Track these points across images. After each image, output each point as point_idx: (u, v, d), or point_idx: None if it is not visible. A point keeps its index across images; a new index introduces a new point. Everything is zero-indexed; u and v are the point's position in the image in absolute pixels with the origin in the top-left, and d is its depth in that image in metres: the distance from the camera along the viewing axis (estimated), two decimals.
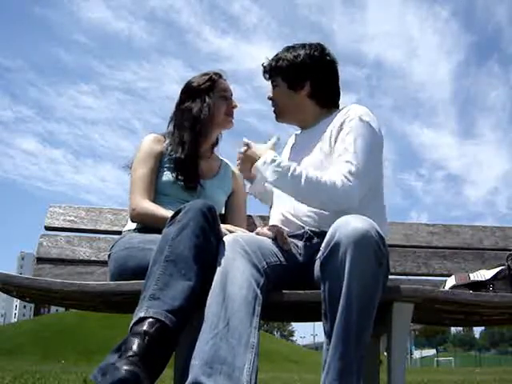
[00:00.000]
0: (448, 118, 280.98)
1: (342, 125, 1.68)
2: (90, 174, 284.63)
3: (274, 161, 1.57)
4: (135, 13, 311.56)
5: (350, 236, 1.28)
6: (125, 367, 1.08)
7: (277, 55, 1.83)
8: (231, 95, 1.95)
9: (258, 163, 1.59)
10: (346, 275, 1.27)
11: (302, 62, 1.77)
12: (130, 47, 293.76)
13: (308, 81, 1.78)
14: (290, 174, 1.55)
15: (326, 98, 1.82)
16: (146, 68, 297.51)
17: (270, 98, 1.85)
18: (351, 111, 1.70)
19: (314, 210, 1.66)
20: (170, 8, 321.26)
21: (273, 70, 1.82)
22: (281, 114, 1.84)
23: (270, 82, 1.85)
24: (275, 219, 1.77)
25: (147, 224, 1.71)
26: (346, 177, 1.56)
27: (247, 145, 1.67)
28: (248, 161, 1.63)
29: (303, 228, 1.65)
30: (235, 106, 1.94)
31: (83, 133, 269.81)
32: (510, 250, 2.10)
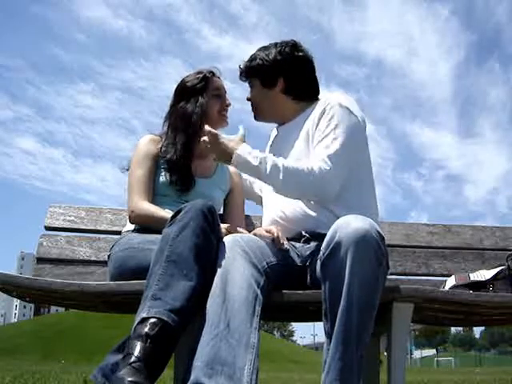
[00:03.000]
0: (448, 117, 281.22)
1: (322, 112, 1.69)
2: (89, 173, 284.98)
3: (250, 153, 1.58)
4: (134, 11, 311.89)
5: (351, 236, 1.28)
6: (128, 379, 1.08)
7: (251, 56, 1.86)
8: (225, 93, 1.95)
9: (234, 157, 1.58)
10: (346, 275, 1.27)
11: (272, 60, 1.79)
12: (129, 46, 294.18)
13: (281, 77, 1.79)
14: (268, 166, 1.55)
15: (302, 92, 1.83)
16: (145, 67, 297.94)
17: (248, 99, 1.88)
18: (331, 99, 1.72)
19: (306, 213, 1.66)
20: (169, 7, 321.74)
21: (247, 71, 1.86)
22: (259, 113, 1.86)
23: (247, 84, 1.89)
24: (267, 223, 1.77)
25: (146, 225, 1.71)
26: (324, 161, 1.57)
27: (210, 133, 1.61)
28: (218, 151, 1.60)
29: (300, 231, 1.65)
30: (229, 105, 1.94)
31: (82, 132, 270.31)
32: (510, 250, 2.11)
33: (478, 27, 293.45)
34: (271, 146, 1.89)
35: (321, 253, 1.35)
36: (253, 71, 1.84)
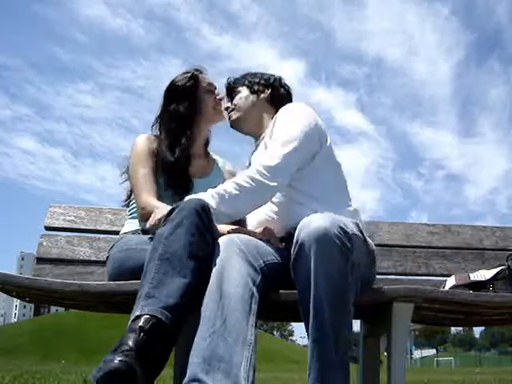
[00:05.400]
0: (448, 117, 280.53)
1: (274, 119, 1.76)
2: (89, 173, 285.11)
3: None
4: (134, 10, 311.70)
5: (312, 235, 1.28)
6: (118, 358, 1.08)
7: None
8: (215, 88, 1.97)
9: None
10: (312, 275, 1.28)
11: (263, 75, 1.96)
12: (128, 45, 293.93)
13: (269, 88, 1.92)
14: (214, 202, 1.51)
15: (281, 107, 1.86)
16: (144, 66, 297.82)
17: (226, 108, 1.94)
18: (283, 107, 1.79)
19: (290, 211, 1.66)
20: (168, 6, 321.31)
21: (237, 81, 1.96)
22: (238, 119, 1.90)
23: (229, 97, 1.96)
24: (254, 225, 1.76)
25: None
26: (260, 172, 1.56)
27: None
28: None
29: (288, 231, 1.65)
30: (222, 98, 1.96)
31: (82, 132, 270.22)
32: (510, 250, 2.11)
33: (478, 26, 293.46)
34: (250, 161, 1.93)
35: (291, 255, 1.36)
36: (244, 81, 1.95)
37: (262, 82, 1.92)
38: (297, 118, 1.69)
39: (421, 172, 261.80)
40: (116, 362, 1.07)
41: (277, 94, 1.92)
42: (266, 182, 1.56)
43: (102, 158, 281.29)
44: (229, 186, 1.55)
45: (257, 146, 1.90)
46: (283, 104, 1.85)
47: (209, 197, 1.53)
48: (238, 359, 1.18)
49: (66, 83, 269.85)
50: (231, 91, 1.96)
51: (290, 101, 1.95)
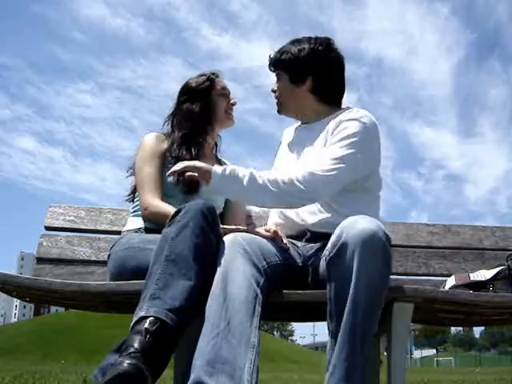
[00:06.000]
0: (448, 116, 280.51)
1: (340, 122, 1.66)
2: (89, 173, 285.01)
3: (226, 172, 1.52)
4: (133, 10, 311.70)
5: (358, 236, 1.28)
6: (127, 361, 1.08)
7: (282, 48, 1.82)
8: (229, 93, 1.97)
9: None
10: (353, 276, 1.27)
11: (304, 57, 1.75)
12: (128, 45, 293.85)
13: (310, 76, 1.76)
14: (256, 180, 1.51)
15: (328, 94, 1.80)
16: (144, 66, 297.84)
17: (273, 91, 1.85)
18: (348, 113, 1.69)
19: (313, 211, 1.65)
20: (168, 5, 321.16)
21: (277, 63, 1.82)
22: (282, 108, 1.84)
23: (274, 74, 1.85)
24: (274, 219, 1.77)
25: (160, 223, 1.70)
26: (304, 179, 1.53)
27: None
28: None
29: (304, 230, 1.65)
30: (235, 103, 1.96)
31: (82, 132, 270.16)
32: (510, 250, 2.10)
33: (478, 26, 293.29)
34: (288, 146, 1.87)
35: (326, 252, 1.35)
36: (283, 64, 1.79)
37: (304, 62, 1.74)
38: (359, 137, 1.61)
39: (421, 172, 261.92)
40: (125, 365, 1.07)
41: (320, 81, 1.76)
42: (305, 191, 1.52)
43: (101, 157, 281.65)
44: (266, 177, 1.51)
45: (298, 136, 1.83)
46: (328, 90, 1.78)
47: (246, 173, 1.50)
48: (242, 361, 1.18)
49: (66, 83, 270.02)
50: (274, 67, 1.84)
51: (340, 67, 1.81)
